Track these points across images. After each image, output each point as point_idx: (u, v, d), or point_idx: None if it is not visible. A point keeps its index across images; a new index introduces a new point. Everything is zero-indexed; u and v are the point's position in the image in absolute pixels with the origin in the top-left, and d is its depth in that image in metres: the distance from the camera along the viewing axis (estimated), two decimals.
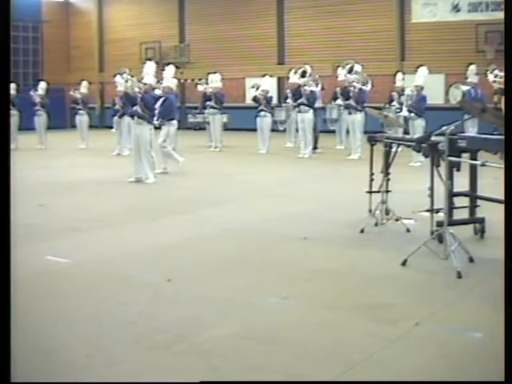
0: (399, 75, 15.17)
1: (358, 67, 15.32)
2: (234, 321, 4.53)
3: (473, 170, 6.79)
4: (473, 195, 6.84)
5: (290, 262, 6.06)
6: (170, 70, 13.09)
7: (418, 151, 6.90)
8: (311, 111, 14.98)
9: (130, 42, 26.55)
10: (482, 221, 6.71)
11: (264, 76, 17.06)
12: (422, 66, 13.45)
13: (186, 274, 5.72)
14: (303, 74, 15.33)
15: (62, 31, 28.91)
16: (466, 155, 6.45)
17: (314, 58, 20.49)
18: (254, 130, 16.82)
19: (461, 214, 6.74)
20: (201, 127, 18.67)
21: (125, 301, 4.95)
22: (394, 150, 7.38)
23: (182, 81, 23.50)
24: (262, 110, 16.52)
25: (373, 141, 7.59)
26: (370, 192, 7.42)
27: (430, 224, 6.37)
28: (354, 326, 4.37)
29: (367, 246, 6.62)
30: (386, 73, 18.17)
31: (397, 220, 7.16)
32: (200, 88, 18.21)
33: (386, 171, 7.26)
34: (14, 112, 17.38)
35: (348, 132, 15.71)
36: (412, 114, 13.28)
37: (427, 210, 6.50)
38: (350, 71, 15.27)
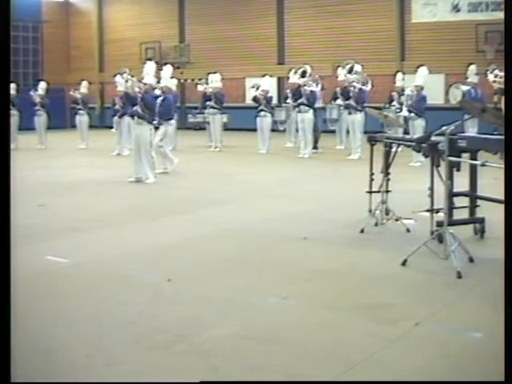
0: (399, 75, 15.17)
1: (358, 67, 15.32)
2: (234, 321, 4.53)
3: (473, 170, 6.79)
4: (473, 195, 6.84)
5: (289, 262, 6.06)
6: (167, 70, 13.09)
7: (418, 151, 6.90)
8: (311, 111, 14.98)
9: (130, 41, 26.55)
10: (482, 221, 6.71)
11: (264, 76, 17.06)
12: (422, 66, 13.45)
13: (186, 274, 5.72)
14: (303, 74, 15.33)
15: (62, 31, 28.91)
16: (466, 155, 6.45)
17: (313, 57, 20.48)
18: (254, 130, 16.82)
19: (461, 214, 6.74)
20: (201, 127, 18.66)
21: (125, 301, 4.95)
22: (394, 150, 7.38)
23: (182, 81, 23.51)
24: (262, 110, 16.52)
25: (373, 141, 7.59)
26: (370, 192, 7.41)
27: (430, 224, 6.37)
28: (354, 326, 4.37)
29: (367, 245, 6.62)
30: (386, 73, 18.17)
31: (397, 220, 7.17)
32: (200, 88, 18.21)
33: (385, 171, 7.26)
34: (14, 112, 17.38)
35: (348, 132, 15.71)
36: (412, 114, 13.28)
37: (427, 210, 6.49)
38: (350, 71, 15.27)
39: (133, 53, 25.94)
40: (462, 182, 6.79)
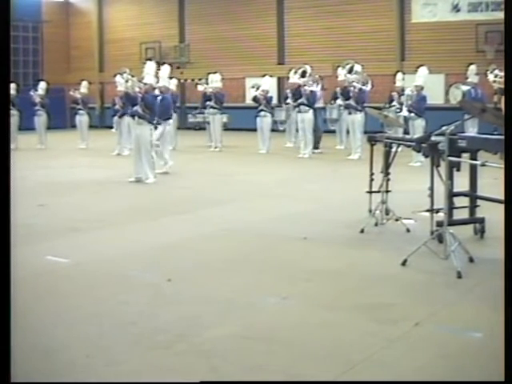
0: (399, 75, 15.17)
1: (358, 67, 15.32)
2: (234, 321, 4.53)
3: (473, 170, 6.79)
4: (473, 195, 6.84)
5: (289, 261, 6.06)
6: (165, 70, 13.08)
7: (418, 151, 6.90)
8: (311, 111, 14.98)
9: (130, 41, 26.55)
10: (482, 221, 6.71)
11: (264, 76, 17.06)
12: (422, 66, 13.45)
13: (186, 273, 5.72)
14: (303, 74, 15.33)
15: (62, 31, 28.91)
16: (466, 155, 6.45)
17: (313, 58, 20.49)
18: (254, 130, 16.82)
19: (461, 214, 6.74)
20: (201, 127, 18.66)
21: (125, 301, 4.95)
22: (394, 150, 7.38)
23: (182, 81, 23.51)
24: (262, 110, 16.53)
25: (373, 141, 7.59)
26: (370, 192, 7.41)
27: (430, 224, 6.37)
28: (354, 326, 4.37)
29: (367, 245, 6.62)
30: (386, 73, 18.17)
31: (397, 220, 7.16)
32: (200, 88, 18.21)
33: (385, 171, 7.26)
34: (14, 112, 17.38)
35: (348, 132, 15.71)
36: (412, 114, 13.28)
37: (427, 210, 6.49)
38: (350, 71, 15.27)
39: (133, 53, 25.94)
40: (462, 182, 6.79)
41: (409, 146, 7.12)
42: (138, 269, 5.84)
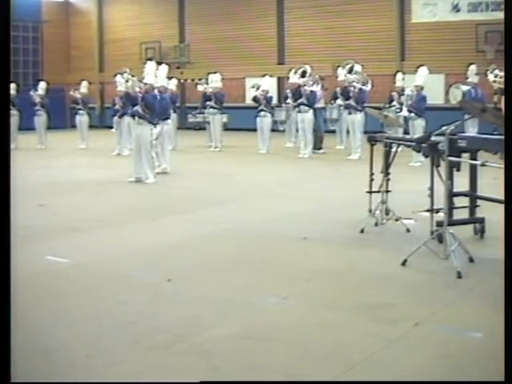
0: (399, 75, 15.17)
1: (358, 67, 15.32)
2: (234, 321, 4.53)
3: (473, 170, 6.79)
4: (473, 195, 6.84)
5: (289, 261, 6.06)
6: (162, 70, 13.06)
7: (418, 151, 6.90)
8: (311, 111, 14.99)
9: (130, 42, 26.55)
10: (482, 221, 6.71)
11: (264, 76, 17.06)
12: (422, 66, 13.45)
13: (186, 274, 5.72)
14: (303, 74, 15.34)
15: (62, 31, 28.92)
16: (466, 155, 6.45)
17: (313, 58, 20.48)
18: (254, 130, 16.82)
19: (461, 214, 6.74)
20: (201, 127, 18.66)
21: (125, 301, 4.95)
22: (394, 150, 7.38)
23: (182, 81, 23.51)
24: (262, 110, 16.53)
25: (373, 141, 7.59)
26: (370, 192, 7.41)
27: (430, 224, 6.37)
28: (354, 326, 4.37)
29: (367, 245, 6.62)
30: (386, 73, 18.17)
31: (397, 220, 7.16)
32: (200, 88, 18.21)
33: (385, 171, 7.26)
34: (14, 112, 17.39)
35: (348, 132, 15.71)
36: (412, 114, 13.28)
37: (427, 210, 6.49)
38: (350, 71, 15.27)
39: (133, 53, 25.94)
40: (462, 182, 6.79)
41: (409, 146, 7.12)
42: (137, 269, 5.84)
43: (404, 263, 5.73)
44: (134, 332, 4.31)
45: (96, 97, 26.59)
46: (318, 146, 15.96)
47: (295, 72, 15.77)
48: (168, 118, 12.66)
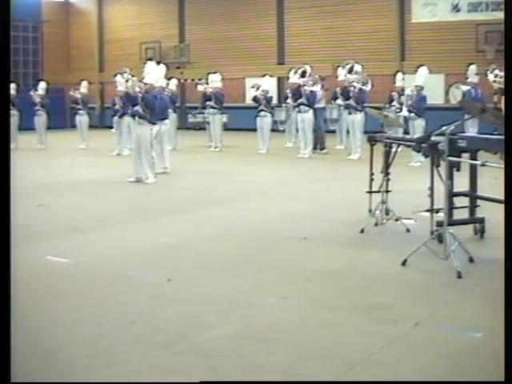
0: (399, 75, 15.17)
1: (358, 67, 15.31)
2: (234, 321, 4.53)
3: (473, 170, 6.79)
4: (473, 195, 6.84)
5: (290, 261, 6.06)
6: (161, 70, 13.05)
7: (418, 151, 6.90)
8: (311, 111, 14.99)
9: (130, 42, 26.55)
10: (482, 221, 6.71)
11: (264, 76, 17.06)
12: (422, 66, 13.45)
13: (186, 274, 5.72)
14: (303, 74, 15.33)
15: (62, 31, 28.91)
16: (466, 155, 6.45)
17: (313, 58, 20.49)
18: (254, 130, 16.82)
19: (461, 214, 6.74)
20: (201, 127, 18.67)
21: (125, 301, 4.95)
22: (394, 150, 7.38)
23: (182, 81, 23.51)
24: (262, 110, 16.52)
25: (373, 141, 7.59)
26: (370, 192, 7.42)
27: (430, 224, 6.37)
28: (354, 326, 4.37)
29: (367, 245, 6.62)
30: (386, 73, 18.17)
31: (397, 220, 7.16)
32: (200, 88, 18.20)
33: (385, 171, 7.26)
34: (14, 112, 17.39)
35: (348, 132, 15.72)
36: (412, 114, 13.28)
37: (427, 210, 6.49)
38: (350, 71, 15.26)
39: (133, 53, 25.95)
40: (462, 182, 6.79)
41: (409, 146, 7.12)
42: (138, 269, 5.84)
43: (404, 263, 5.73)
44: (133, 332, 4.31)
45: (96, 97, 26.59)
46: (321, 146, 15.99)
47: (295, 72, 15.77)
48: (166, 119, 12.65)
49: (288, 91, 16.96)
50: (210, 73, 17.60)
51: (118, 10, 27.78)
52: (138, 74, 12.29)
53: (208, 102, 17.13)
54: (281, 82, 22.81)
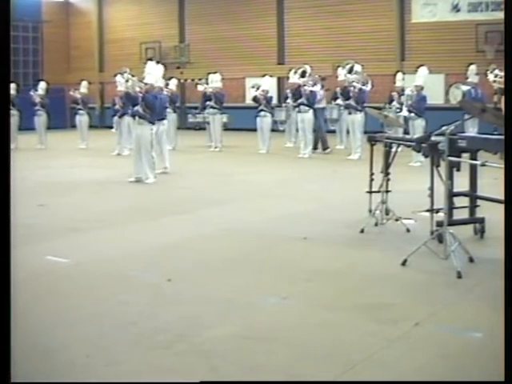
0: (399, 75, 15.17)
1: (358, 67, 15.31)
2: (234, 321, 4.53)
3: (473, 170, 6.79)
4: (473, 195, 6.84)
5: (289, 261, 6.06)
6: (159, 70, 13.03)
7: (418, 151, 6.90)
8: (311, 111, 14.99)
9: (130, 42, 26.55)
10: (482, 221, 6.71)
11: (264, 76, 17.06)
12: (422, 66, 13.45)
13: (186, 273, 5.72)
14: (303, 74, 15.34)
15: (62, 31, 28.92)
16: (466, 155, 6.45)
17: (313, 58, 20.49)
18: (254, 130, 16.82)
19: (461, 214, 6.74)
20: (201, 127, 18.67)
21: (125, 301, 4.95)
22: (394, 150, 7.38)
23: (182, 81, 23.51)
24: (262, 110, 16.52)
25: (373, 141, 7.59)
26: (370, 192, 7.42)
27: (430, 224, 6.37)
28: (354, 326, 4.37)
29: (367, 245, 6.62)
30: (386, 73, 18.17)
31: (397, 220, 7.16)
32: (200, 88, 18.20)
33: (385, 171, 7.26)
34: (14, 112, 17.39)
35: (348, 132, 15.72)
36: (412, 114, 13.28)
37: (427, 210, 6.49)
38: (350, 71, 15.26)
39: (133, 53, 25.95)
40: (462, 182, 6.79)
41: (409, 146, 7.12)
42: (138, 269, 5.84)
43: (404, 263, 5.73)
44: (134, 332, 4.31)
45: (96, 97, 26.59)
46: (324, 146, 16.00)
47: (295, 72, 15.76)
48: (164, 119, 12.64)
49: (288, 91, 16.96)
50: (209, 73, 17.60)
51: (118, 10, 27.78)
52: (138, 74, 12.29)
53: (208, 102, 17.13)
54: (281, 82, 22.81)
